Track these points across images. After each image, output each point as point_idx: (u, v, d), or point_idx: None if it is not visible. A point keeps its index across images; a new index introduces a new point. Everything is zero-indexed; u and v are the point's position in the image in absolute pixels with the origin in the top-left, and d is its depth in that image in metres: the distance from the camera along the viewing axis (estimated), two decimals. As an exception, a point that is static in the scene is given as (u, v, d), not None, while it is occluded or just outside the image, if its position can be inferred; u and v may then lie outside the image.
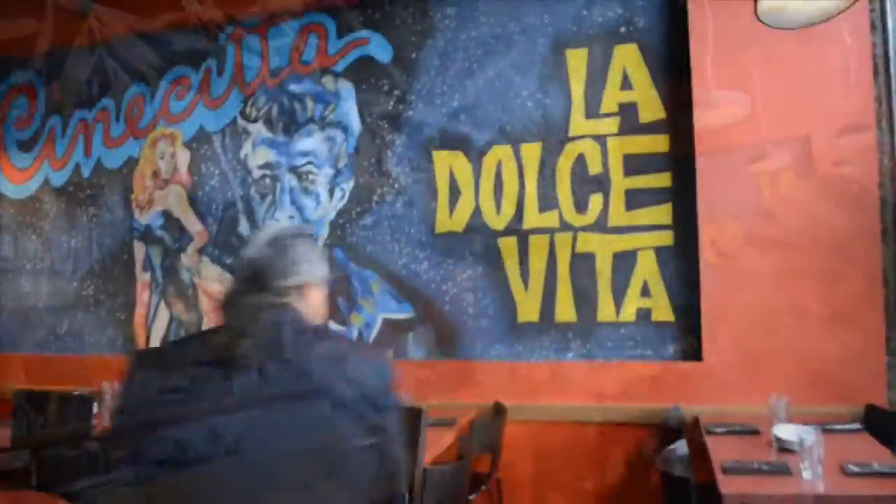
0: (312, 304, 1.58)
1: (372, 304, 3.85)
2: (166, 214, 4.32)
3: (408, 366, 3.72)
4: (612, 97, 3.51)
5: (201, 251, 4.21)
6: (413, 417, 2.52)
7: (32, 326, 4.63)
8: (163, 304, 4.29)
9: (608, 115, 3.52)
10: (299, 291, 1.56)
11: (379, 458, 1.39)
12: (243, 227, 4.12)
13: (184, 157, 4.29)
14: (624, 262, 3.44)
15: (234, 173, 4.16)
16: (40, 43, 4.59)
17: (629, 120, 3.48)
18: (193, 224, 4.25)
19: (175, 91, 4.32)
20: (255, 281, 1.54)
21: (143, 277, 4.35)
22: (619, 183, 3.48)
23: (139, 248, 4.37)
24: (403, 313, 3.80)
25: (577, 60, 3.57)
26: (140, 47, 4.40)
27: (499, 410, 3.41)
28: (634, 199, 3.45)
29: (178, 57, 4.32)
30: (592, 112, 3.54)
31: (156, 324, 4.30)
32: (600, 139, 3.51)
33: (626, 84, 3.50)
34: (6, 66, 4.77)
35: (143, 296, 4.34)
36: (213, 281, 4.17)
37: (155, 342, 4.29)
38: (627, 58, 3.50)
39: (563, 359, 3.51)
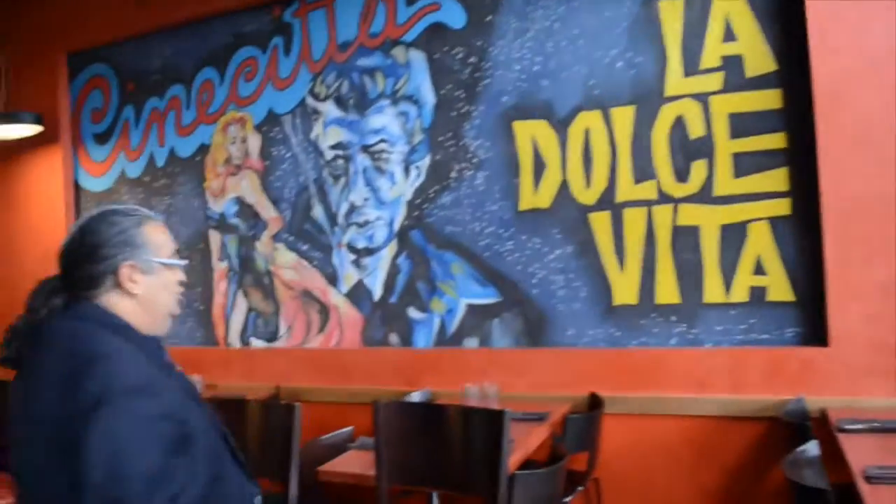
0: (139, 294, 1.37)
1: (454, 289, 3.60)
2: (240, 201, 4.19)
3: (494, 354, 3.47)
4: (713, 50, 3.11)
5: (276, 238, 4.06)
6: (493, 420, 2.24)
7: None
8: (240, 293, 4.18)
9: (710, 70, 3.12)
10: (114, 280, 1.35)
11: (71, 487, 1.12)
12: (317, 211, 3.94)
13: (255, 141, 4.14)
14: (733, 236, 3.06)
15: (306, 155, 3.98)
16: (109, 34, 4.53)
17: (734, 75, 3.08)
18: (267, 210, 4.10)
19: (243, 73, 4.17)
20: (63, 270, 1.39)
21: (219, 267, 4.25)
22: (725, 146, 3.09)
23: (215, 237, 4.27)
24: (488, 298, 3.53)
25: (671, 11, 3.18)
26: (206, 30, 4.26)
27: (595, 403, 3.11)
28: (744, 164, 3.05)
29: (244, 38, 4.16)
30: (691, 68, 3.15)
31: (234, 314, 4.19)
32: (701, 98, 3.12)
33: (729, 35, 3.09)
34: (80, 61, 4.73)
35: (220, 285, 4.24)
36: (288, 268, 4.02)
37: (234, 333, 4.19)
38: (730, 4, 3.08)
39: (665, 345, 3.16)
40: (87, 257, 1.35)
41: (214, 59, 4.26)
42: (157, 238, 1.42)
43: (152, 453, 1.16)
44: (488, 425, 2.18)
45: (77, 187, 4.73)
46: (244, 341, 4.16)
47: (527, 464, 2.68)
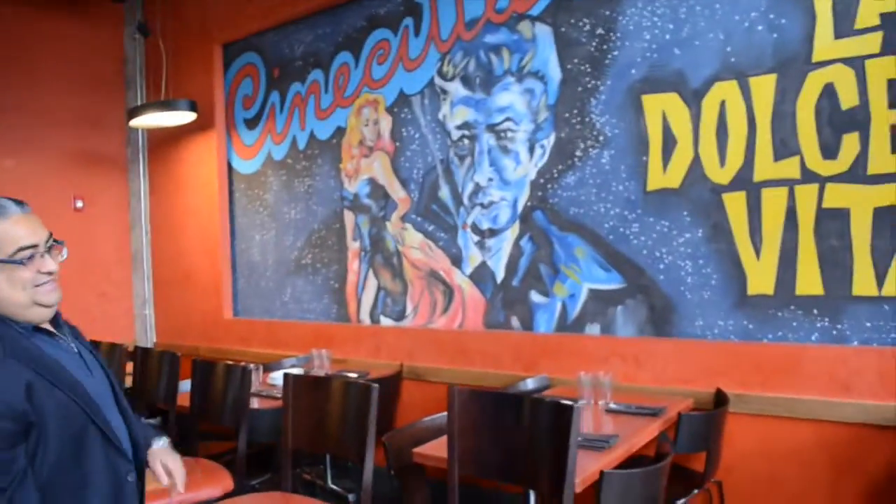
0: None
1: (576, 273, 3.45)
2: (372, 182, 4.26)
3: (615, 343, 3.28)
4: (870, 7, 2.71)
5: (404, 218, 4.10)
6: (561, 413, 2.05)
7: (262, 294, 4.88)
8: (371, 272, 4.26)
9: (866, 30, 2.72)
10: None
11: None
12: (443, 192, 3.92)
13: (386, 122, 4.18)
14: (890, 220, 2.67)
15: (434, 136, 3.97)
16: (259, 24, 4.75)
17: (895, 35, 2.68)
18: (397, 191, 4.14)
19: (376, 56, 4.22)
20: None
21: (353, 246, 4.36)
22: (883, 118, 2.68)
23: (349, 217, 4.38)
24: (612, 283, 3.34)
25: (824, -35, 2.82)
26: (343, 15, 4.35)
27: (720, 400, 2.86)
28: (904, 138, 2.65)
29: (377, 20, 4.20)
30: (844, 29, 2.76)
31: (365, 292, 4.29)
32: (855, 63, 2.74)
33: (892, -12, 2.69)
34: (233, 51, 5.03)
35: (353, 264, 4.35)
36: (415, 248, 4.04)
37: (364, 311, 4.29)
38: (895, -48, 2.67)
39: (804, 340, 2.83)
40: None
41: (350, 43, 4.35)
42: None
43: None
44: (557, 419, 2.03)
45: (230, 170, 5.04)
46: (374, 319, 4.25)
47: (635, 461, 2.51)
